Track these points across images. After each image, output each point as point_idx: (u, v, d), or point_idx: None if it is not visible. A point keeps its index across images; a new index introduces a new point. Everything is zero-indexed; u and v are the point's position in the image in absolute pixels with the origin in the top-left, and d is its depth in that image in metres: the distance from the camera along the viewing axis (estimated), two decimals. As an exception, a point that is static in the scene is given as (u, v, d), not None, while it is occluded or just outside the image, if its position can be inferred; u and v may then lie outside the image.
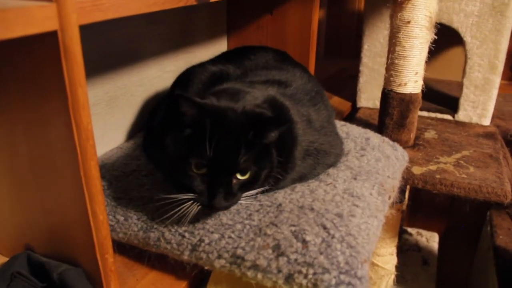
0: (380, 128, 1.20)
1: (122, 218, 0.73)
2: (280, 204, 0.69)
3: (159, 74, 1.05)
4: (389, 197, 0.80)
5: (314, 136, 0.76)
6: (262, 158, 0.65)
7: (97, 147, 0.92)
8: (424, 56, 1.12)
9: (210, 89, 0.82)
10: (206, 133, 0.61)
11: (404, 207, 1.75)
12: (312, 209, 0.68)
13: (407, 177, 1.06)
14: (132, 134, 1.01)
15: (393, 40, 1.10)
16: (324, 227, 0.64)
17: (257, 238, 0.64)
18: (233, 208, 0.69)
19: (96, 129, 0.91)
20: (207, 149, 0.60)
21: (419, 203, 1.92)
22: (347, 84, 1.68)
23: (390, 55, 1.13)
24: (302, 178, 0.75)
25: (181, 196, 0.64)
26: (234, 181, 0.64)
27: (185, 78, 0.90)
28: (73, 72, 0.49)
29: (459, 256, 1.95)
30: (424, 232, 1.90)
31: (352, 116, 1.45)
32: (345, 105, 1.50)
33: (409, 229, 1.91)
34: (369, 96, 1.46)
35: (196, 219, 0.67)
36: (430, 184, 1.05)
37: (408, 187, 1.23)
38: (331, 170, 0.80)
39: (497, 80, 1.28)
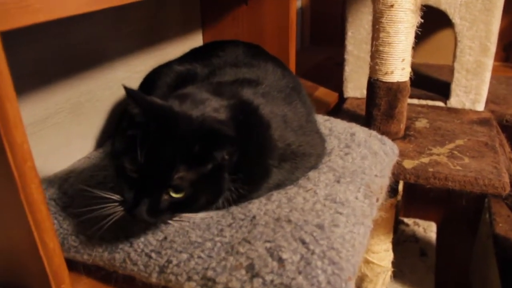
0: (367, 120, 1.13)
1: (85, 239, 0.66)
2: (254, 217, 0.63)
3: (127, 75, 0.98)
4: (377, 200, 0.74)
5: (291, 137, 0.69)
6: (205, 181, 0.57)
7: (63, 158, 0.86)
8: (410, 41, 1.05)
9: (175, 91, 0.76)
10: (145, 136, 0.54)
11: (399, 197, 1.69)
12: (289, 221, 0.61)
13: (398, 172, 1.00)
14: (101, 142, 0.94)
15: (377, 26, 1.03)
16: (303, 242, 0.58)
17: (229, 257, 0.57)
18: (203, 222, 0.63)
19: (60, 139, 0.84)
20: (138, 154, 0.54)
21: (415, 192, 1.86)
22: (334, 73, 1.61)
23: (374, 42, 1.05)
24: (279, 186, 0.69)
25: (105, 194, 0.59)
26: (165, 196, 0.56)
27: (150, 81, 0.83)
28: (-4, 86, 0.42)
29: (458, 245, 1.90)
30: (421, 222, 1.85)
31: (339, 107, 1.39)
32: (332, 96, 1.44)
33: (406, 220, 1.86)
34: (356, 86, 1.39)
35: (119, 226, 0.62)
36: (422, 179, 0.99)
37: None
38: (311, 174, 0.74)
39: (489, 62, 1.22)
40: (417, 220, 1.86)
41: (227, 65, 0.77)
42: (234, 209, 0.65)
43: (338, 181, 0.72)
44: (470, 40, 1.21)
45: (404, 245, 1.73)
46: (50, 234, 0.51)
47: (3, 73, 0.42)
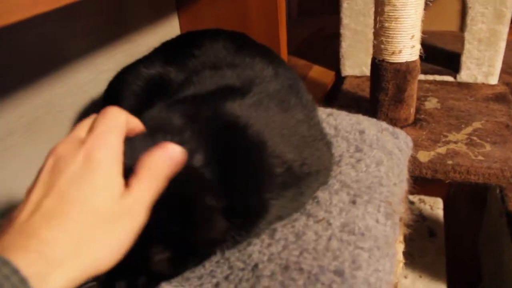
0: (373, 105, 1.00)
1: None
2: (256, 265, 0.50)
3: (92, 77, 0.84)
4: (400, 218, 0.62)
5: (291, 154, 0.55)
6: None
7: (22, 188, 0.73)
8: (420, 14, 0.91)
9: (146, 104, 0.61)
10: None
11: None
12: (301, 270, 0.49)
13: (413, 167, 0.88)
14: (68, 158, 0.80)
15: (381, -1, 0.89)
16: (321, 299, 0.46)
17: (229, 324, 0.45)
18: (193, 274, 0.51)
19: (16, 165, 0.71)
20: None
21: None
22: (327, 48, 1.46)
23: (378, 18, 0.91)
24: (281, 218, 0.56)
25: None
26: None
27: (114, 90, 0.68)
28: None
29: (466, 223, 1.82)
30: (427, 198, 1.75)
31: (337, 88, 1.25)
32: (328, 76, 1.30)
33: (411, 197, 1.76)
34: (354, 63, 1.25)
35: None
36: (441, 173, 0.88)
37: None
38: (321, 195, 0.61)
39: (505, 30, 1.08)
40: (423, 197, 1.76)
41: (206, 67, 0.61)
42: (231, 254, 0.52)
43: (354, 202, 0.60)
44: (483, 5, 1.07)
45: (411, 226, 1.64)
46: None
47: None
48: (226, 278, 0.50)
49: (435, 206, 1.73)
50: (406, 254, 1.47)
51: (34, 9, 0.37)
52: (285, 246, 0.52)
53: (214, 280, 0.50)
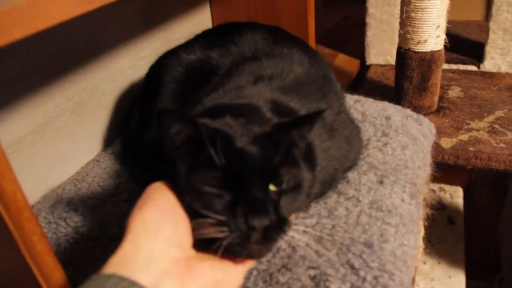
0: (397, 93, 1.03)
1: (101, 264, 0.59)
2: (292, 237, 0.55)
3: (132, 63, 0.88)
4: (424, 199, 0.66)
5: (330, 139, 0.59)
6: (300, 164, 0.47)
7: (70, 164, 0.78)
8: (446, 4, 0.93)
9: (187, 88, 0.66)
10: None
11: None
12: (333, 241, 0.53)
13: (436, 153, 0.91)
14: (110, 139, 0.86)
15: (408, -11, 0.91)
16: (352, 267, 0.50)
17: (268, 288, 0.50)
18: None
19: (65, 143, 0.76)
20: (216, 158, 0.42)
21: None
22: (352, 37, 1.49)
23: (404, 8, 0.94)
24: (319, 195, 0.60)
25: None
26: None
27: (155, 76, 0.73)
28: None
29: (486, 211, 1.83)
30: (447, 187, 1.77)
31: (362, 76, 1.28)
32: (353, 64, 1.33)
33: (431, 185, 1.78)
34: (379, 52, 1.28)
35: None
36: (463, 159, 0.90)
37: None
38: (351, 175, 0.65)
39: (530, 20, 1.09)
40: (443, 186, 1.78)
41: (246, 58, 0.65)
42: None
43: (381, 182, 0.64)
44: (509, -5, 1.09)
45: (431, 214, 1.66)
46: (61, 284, 0.44)
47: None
48: (264, 247, 0.55)
49: (455, 195, 1.75)
50: (426, 240, 1.51)
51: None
52: (318, 219, 0.57)
53: (253, 250, 0.55)
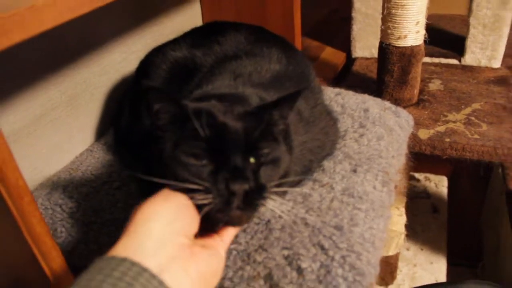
0: (379, 86, 1.08)
1: (95, 247, 0.64)
2: (269, 220, 0.60)
3: (123, 57, 0.92)
4: (395, 186, 0.70)
5: (306, 133, 0.64)
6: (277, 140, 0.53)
7: (65, 154, 0.83)
8: (425, 1, 0.97)
9: (171, 84, 0.70)
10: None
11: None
12: (306, 224, 0.58)
13: (413, 144, 0.96)
14: (102, 130, 0.90)
15: (388, -13, 0.95)
16: (322, 247, 0.55)
17: (246, 267, 0.55)
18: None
19: (60, 135, 0.81)
20: (200, 130, 0.47)
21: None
22: (340, 30, 1.52)
23: (385, 5, 0.98)
24: (295, 184, 0.65)
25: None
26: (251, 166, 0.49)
27: (143, 70, 0.77)
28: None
29: (469, 200, 1.88)
30: (432, 176, 1.82)
31: (347, 69, 1.32)
32: (340, 57, 1.37)
33: (417, 175, 1.83)
34: (364, 45, 1.32)
35: None
36: (439, 150, 0.95)
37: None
38: (326, 164, 0.70)
39: (509, 16, 1.14)
40: (428, 175, 1.83)
41: (228, 56, 0.70)
42: (247, 211, 0.62)
43: (355, 171, 0.69)
44: (488, -8, 1.13)
45: (416, 202, 1.72)
46: (58, 262, 0.49)
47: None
48: (244, 231, 0.60)
49: (440, 184, 1.81)
50: (409, 228, 1.57)
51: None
52: (294, 205, 0.62)
53: (234, 232, 0.59)
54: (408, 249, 1.56)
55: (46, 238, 0.46)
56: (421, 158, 1.87)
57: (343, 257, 0.55)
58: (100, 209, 0.68)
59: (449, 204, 1.71)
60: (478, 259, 1.79)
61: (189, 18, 1.09)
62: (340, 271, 0.53)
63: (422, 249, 1.56)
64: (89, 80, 0.85)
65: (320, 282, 0.52)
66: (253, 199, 0.46)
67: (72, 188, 0.73)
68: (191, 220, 0.45)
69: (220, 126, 0.48)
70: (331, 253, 0.55)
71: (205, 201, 0.45)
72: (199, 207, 0.45)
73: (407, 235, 1.48)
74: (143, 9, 0.96)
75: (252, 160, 0.48)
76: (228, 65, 0.68)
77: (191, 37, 0.79)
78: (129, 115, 0.80)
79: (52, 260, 0.47)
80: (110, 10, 0.88)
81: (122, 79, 0.93)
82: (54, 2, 0.42)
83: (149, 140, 0.53)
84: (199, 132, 0.46)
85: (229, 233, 0.50)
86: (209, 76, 0.67)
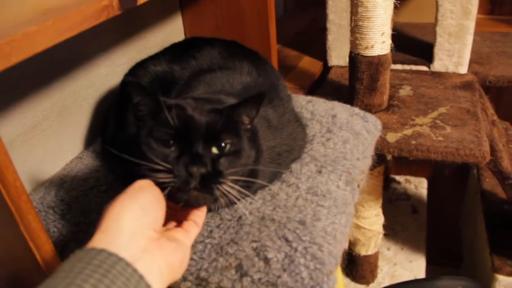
0: (350, 93, 1.15)
1: (84, 244, 0.70)
2: (240, 217, 0.67)
3: (110, 70, 0.99)
4: (358, 185, 0.77)
5: (275, 139, 0.71)
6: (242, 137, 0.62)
7: (56, 162, 0.89)
8: (389, 14, 1.05)
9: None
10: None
11: (389, 157, 1.73)
12: (273, 220, 0.65)
13: (382, 147, 1.03)
14: (91, 139, 0.96)
15: (355, 1, 1.03)
16: (287, 240, 0.62)
17: (219, 258, 0.62)
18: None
19: (51, 144, 0.87)
20: (170, 118, 0.57)
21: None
22: (317, 39, 1.60)
23: (353, 17, 1.05)
24: (264, 186, 0.72)
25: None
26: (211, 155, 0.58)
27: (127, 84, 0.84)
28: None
29: (448, 201, 1.96)
30: (412, 178, 1.89)
31: (323, 77, 1.40)
32: (317, 66, 1.44)
33: (397, 177, 1.91)
34: (339, 54, 1.39)
35: None
36: (406, 151, 1.02)
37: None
38: (294, 166, 0.77)
39: (471, 25, 1.22)
40: (409, 177, 1.91)
41: (202, 71, 0.78)
42: (221, 209, 0.69)
43: (320, 172, 0.76)
44: (451, 3, 1.21)
45: (396, 203, 1.79)
46: (51, 255, 0.55)
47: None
48: (218, 226, 0.66)
49: (419, 186, 1.88)
50: (389, 228, 1.64)
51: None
52: (263, 203, 0.69)
53: (209, 228, 0.66)
54: (388, 249, 1.63)
55: (41, 233, 0.52)
56: (401, 160, 1.95)
57: (305, 248, 0.61)
58: (89, 211, 0.74)
59: (429, 205, 1.78)
60: (456, 255, 1.86)
61: (171, 32, 1.15)
62: (302, 260, 0.60)
63: (402, 249, 1.62)
64: (78, 92, 0.92)
65: (284, 270, 0.59)
66: (209, 182, 0.55)
67: (63, 192, 0.79)
68: (157, 215, 0.52)
69: (187, 118, 0.57)
70: (294, 244, 0.61)
71: (166, 180, 0.54)
72: (163, 188, 0.54)
73: (387, 235, 1.55)
74: (127, 25, 1.03)
75: (214, 150, 0.57)
76: (203, 78, 0.75)
77: (170, 52, 0.86)
78: (114, 125, 0.86)
79: (46, 253, 0.53)
80: (96, 27, 0.94)
81: (108, 91, 1.00)
82: (45, 28, 0.49)
83: (131, 145, 0.61)
84: (169, 122, 0.55)
85: (194, 229, 0.58)
86: (185, 88, 0.74)
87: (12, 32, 0.47)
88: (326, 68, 1.42)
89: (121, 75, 0.96)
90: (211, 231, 0.66)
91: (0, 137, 0.47)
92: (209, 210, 0.68)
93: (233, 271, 0.60)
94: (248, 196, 0.65)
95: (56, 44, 0.53)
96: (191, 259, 0.62)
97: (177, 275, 0.52)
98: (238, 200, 0.61)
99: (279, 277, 0.58)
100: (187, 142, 0.56)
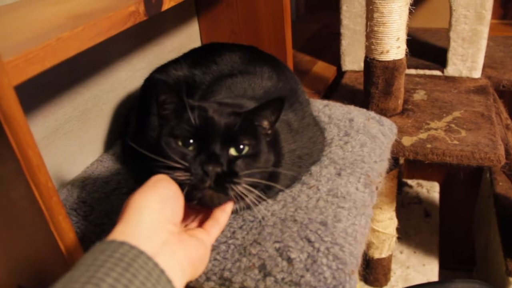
0: (366, 97, 1.16)
1: (107, 245, 0.71)
2: (262, 218, 0.68)
3: (129, 75, 1.01)
4: (376, 188, 0.78)
5: (295, 142, 0.72)
6: (262, 142, 0.63)
7: (77, 164, 0.91)
8: (405, 19, 1.06)
9: None
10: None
11: (402, 161, 1.73)
12: (295, 221, 0.66)
13: (397, 150, 1.04)
14: (111, 142, 0.98)
15: (370, 7, 1.04)
16: (309, 240, 0.63)
17: (242, 259, 0.63)
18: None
19: (72, 146, 0.89)
20: (191, 116, 0.59)
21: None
22: (331, 44, 1.61)
23: (368, 23, 1.07)
24: (287, 187, 0.73)
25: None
26: (229, 156, 0.60)
27: (148, 88, 0.85)
28: (18, 137, 0.46)
29: (461, 205, 1.95)
30: (424, 182, 1.90)
31: (338, 82, 1.41)
32: (331, 70, 1.45)
33: (409, 181, 1.91)
34: (353, 59, 1.40)
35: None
36: (421, 155, 1.03)
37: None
38: (314, 168, 0.78)
39: (485, 30, 1.22)
40: (421, 181, 1.91)
41: (223, 76, 0.79)
42: (244, 211, 0.70)
43: (339, 174, 0.76)
44: (465, 8, 1.21)
45: (409, 207, 1.79)
46: (79, 256, 0.56)
47: (22, 125, 0.45)
48: (240, 227, 0.67)
49: (431, 190, 1.88)
50: (402, 231, 1.64)
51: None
52: (284, 205, 0.70)
53: (232, 229, 0.67)
54: (401, 252, 1.63)
55: (70, 233, 0.54)
56: (414, 164, 1.94)
57: (327, 248, 0.62)
58: (112, 212, 0.76)
59: (441, 209, 1.79)
60: (469, 259, 1.85)
61: (188, 37, 1.17)
62: (325, 260, 0.61)
63: (415, 252, 1.63)
64: (99, 96, 0.93)
65: (307, 270, 0.60)
66: (224, 181, 0.56)
67: (85, 194, 0.80)
68: (176, 208, 0.53)
69: (208, 118, 0.59)
70: (316, 245, 0.62)
71: (183, 177, 0.55)
72: (181, 186, 0.55)
73: (400, 238, 1.55)
74: (146, 31, 1.05)
75: (232, 151, 0.59)
76: (225, 83, 0.76)
77: (191, 57, 0.88)
78: (135, 129, 0.88)
79: (74, 253, 0.55)
80: (117, 34, 0.96)
81: (128, 95, 1.02)
82: (76, 34, 0.51)
83: (151, 147, 0.62)
84: (191, 122, 0.57)
85: (215, 229, 0.59)
86: (208, 92, 0.76)
87: (46, 37, 0.49)
88: (340, 73, 1.43)
89: (140, 80, 0.98)
90: (234, 232, 0.67)
91: (34, 139, 0.48)
92: (231, 212, 0.69)
93: (256, 271, 0.61)
94: (264, 200, 0.66)
95: (86, 49, 0.55)
96: (215, 259, 0.64)
97: (197, 271, 0.52)
98: (254, 203, 0.63)
99: (302, 276, 0.59)
100: (206, 143, 0.58)
